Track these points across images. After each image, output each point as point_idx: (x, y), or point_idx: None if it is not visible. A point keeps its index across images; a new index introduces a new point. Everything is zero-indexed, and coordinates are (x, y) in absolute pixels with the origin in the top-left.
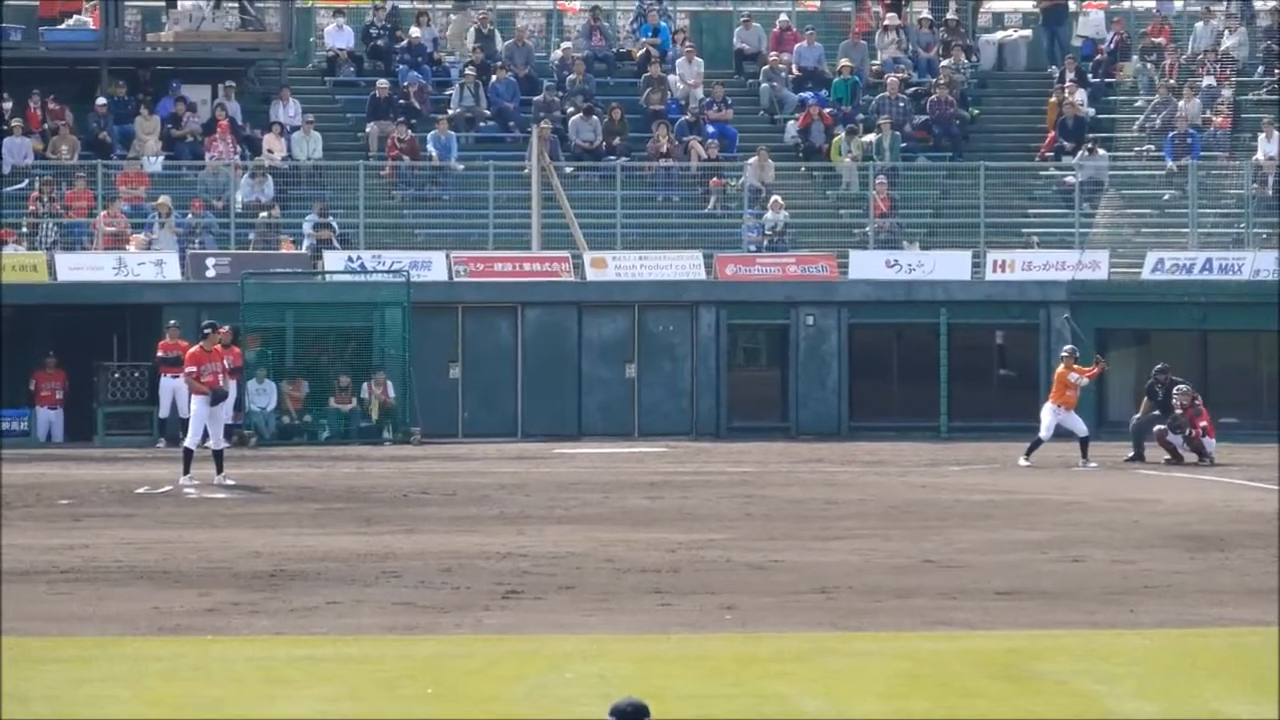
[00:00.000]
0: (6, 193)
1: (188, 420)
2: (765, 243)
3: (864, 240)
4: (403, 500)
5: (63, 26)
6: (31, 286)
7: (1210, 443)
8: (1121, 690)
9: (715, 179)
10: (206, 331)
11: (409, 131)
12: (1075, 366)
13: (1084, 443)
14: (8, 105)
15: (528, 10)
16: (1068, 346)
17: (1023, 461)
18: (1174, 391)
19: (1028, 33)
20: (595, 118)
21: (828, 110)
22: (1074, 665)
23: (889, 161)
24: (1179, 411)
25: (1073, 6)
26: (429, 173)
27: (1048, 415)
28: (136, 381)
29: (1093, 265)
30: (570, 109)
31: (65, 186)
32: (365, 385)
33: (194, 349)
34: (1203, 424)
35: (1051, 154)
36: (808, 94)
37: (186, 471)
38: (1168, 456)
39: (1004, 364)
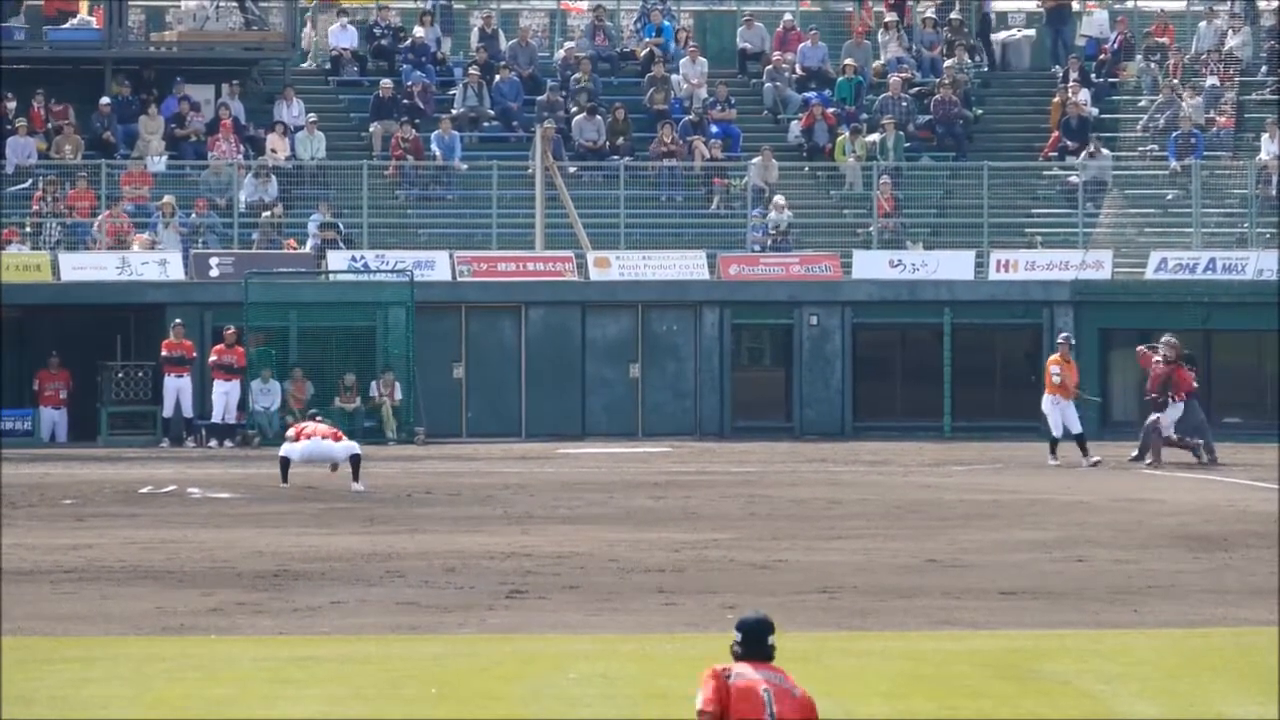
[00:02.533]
0: (10, 192)
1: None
2: (769, 242)
3: (868, 240)
4: (407, 500)
5: (66, 26)
6: (35, 286)
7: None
8: (1125, 690)
9: (719, 179)
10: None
11: (413, 131)
12: (1063, 359)
13: (1080, 440)
14: (11, 105)
15: (531, 10)
16: (1063, 334)
17: (1051, 461)
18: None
19: (1031, 32)
20: (599, 117)
21: (831, 110)
22: (1078, 665)
23: (893, 161)
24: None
25: (1076, 6)
26: (433, 172)
27: (1051, 410)
28: (140, 381)
29: (1096, 265)
30: (574, 109)
31: (69, 186)
32: (374, 385)
33: (299, 425)
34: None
35: (1055, 154)
36: (811, 94)
37: (284, 479)
38: (1194, 459)
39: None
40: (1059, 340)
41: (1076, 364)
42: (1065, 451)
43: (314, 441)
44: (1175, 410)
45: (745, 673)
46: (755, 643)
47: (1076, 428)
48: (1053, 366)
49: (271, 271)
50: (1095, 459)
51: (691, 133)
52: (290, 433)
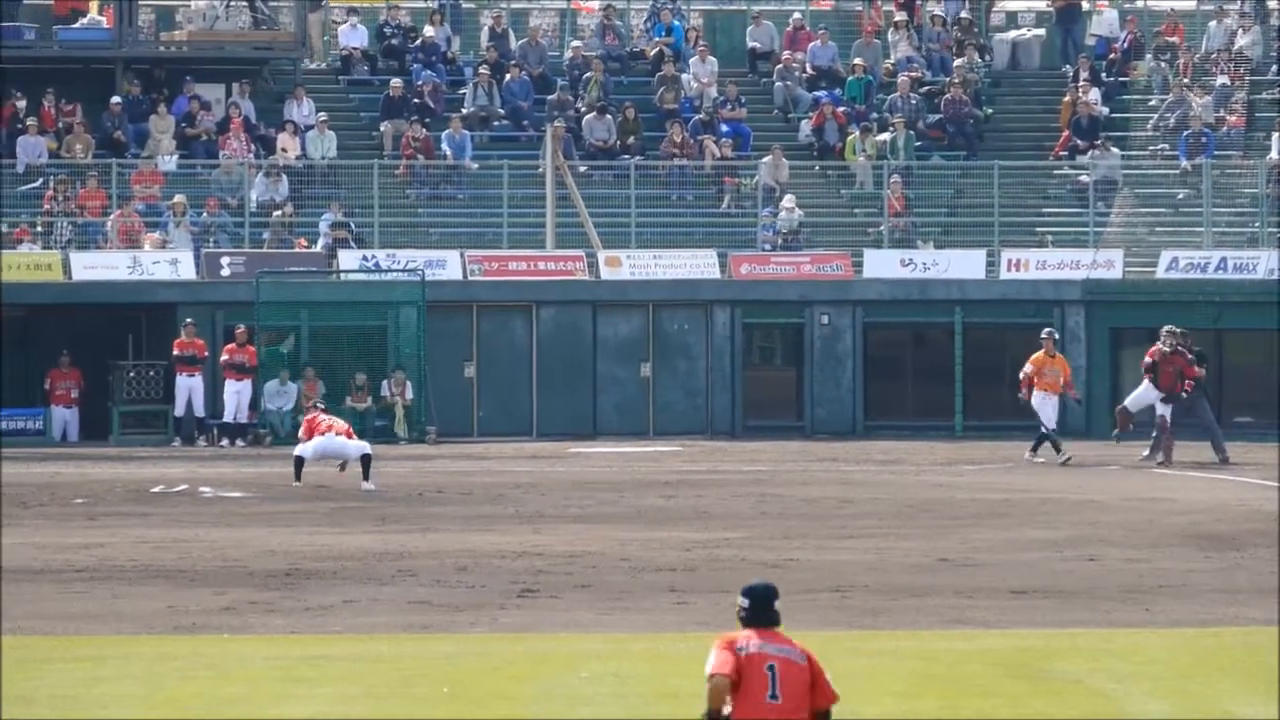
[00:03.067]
0: (21, 191)
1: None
2: (780, 242)
3: (879, 239)
4: (418, 499)
5: (76, 26)
6: (46, 285)
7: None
8: (1136, 690)
9: (729, 178)
10: (321, 406)
11: (423, 130)
12: (1046, 355)
13: (1047, 438)
14: (22, 104)
15: (541, 9)
16: (1046, 329)
17: (1059, 458)
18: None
19: (1041, 32)
20: (609, 117)
21: (841, 109)
22: (1089, 664)
23: (903, 160)
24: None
25: (1086, 5)
26: (443, 172)
27: (1042, 405)
28: (152, 380)
29: (1107, 264)
30: (584, 108)
31: (79, 185)
32: (385, 384)
33: (309, 418)
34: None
35: (1065, 153)
36: (821, 93)
37: (298, 478)
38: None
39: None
40: (1042, 335)
41: (1065, 356)
42: (1075, 449)
43: (328, 438)
44: (1161, 402)
45: (756, 646)
46: (761, 608)
47: (1051, 424)
48: (1028, 364)
49: (283, 271)
50: (1041, 459)
51: (702, 132)
52: (301, 430)
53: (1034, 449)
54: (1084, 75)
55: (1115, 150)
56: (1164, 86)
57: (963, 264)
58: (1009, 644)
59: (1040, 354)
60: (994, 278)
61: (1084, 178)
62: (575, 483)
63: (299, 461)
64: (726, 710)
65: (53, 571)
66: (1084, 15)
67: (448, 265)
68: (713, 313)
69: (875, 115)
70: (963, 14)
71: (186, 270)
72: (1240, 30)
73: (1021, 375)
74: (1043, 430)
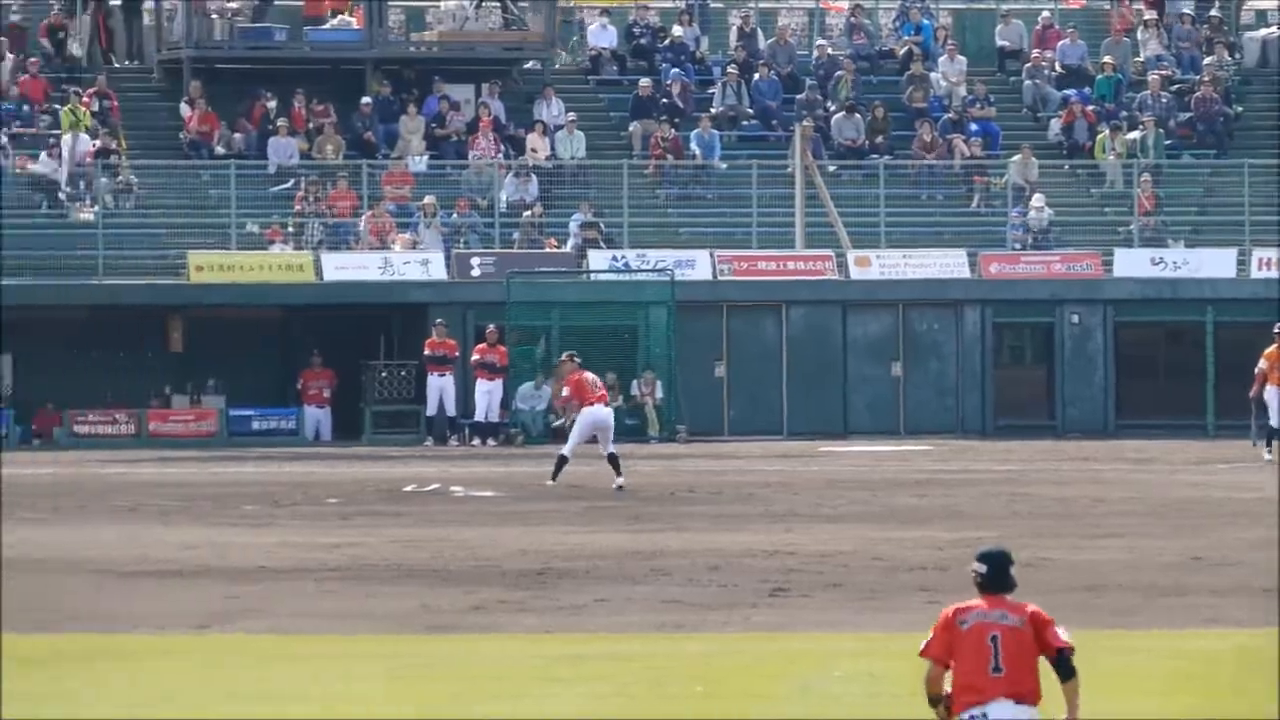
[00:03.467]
0: (272, 192)
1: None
2: (1029, 241)
3: (1129, 238)
4: (670, 498)
5: (326, 26)
6: (298, 286)
7: None
8: None
9: (979, 177)
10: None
11: (672, 130)
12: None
13: (1273, 432)
14: (272, 105)
15: (789, 9)
16: (1279, 325)
17: (1266, 455)
18: None
19: None
20: (858, 116)
21: (1091, 108)
22: None
23: (1153, 159)
24: None
25: None
26: (692, 171)
27: (1273, 399)
28: (403, 380)
29: None
30: (833, 107)
31: (330, 186)
32: (636, 383)
33: (574, 376)
34: None
35: None
36: (1071, 91)
37: (554, 478)
38: None
39: None
40: (1275, 330)
41: None
42: None
43: (596, 410)
44: None
45: (978, 617)
46: (998, 572)
47: (1275, 420)
48: (1261, 360)
49: (533, 271)
50: (1269, 457)
51: (951, 131)
52: (566, 389)
53: (1269, 445)
54: None
55: None
56: None
57: (1213, 263)
58: (1265, 643)
59: (1273, 349)
60: (1245, 277)
61: None
62: (826, 482)
63: (561, 461)
64: (948, 688)
65: (307, 570)
66: None
67: (697, 265)
68: (963, 312)
69: (1125, 114)
70: (1212, 12)
71: (437, 270)
72: None
73: (1256, 371)
74: (1273, 425)
